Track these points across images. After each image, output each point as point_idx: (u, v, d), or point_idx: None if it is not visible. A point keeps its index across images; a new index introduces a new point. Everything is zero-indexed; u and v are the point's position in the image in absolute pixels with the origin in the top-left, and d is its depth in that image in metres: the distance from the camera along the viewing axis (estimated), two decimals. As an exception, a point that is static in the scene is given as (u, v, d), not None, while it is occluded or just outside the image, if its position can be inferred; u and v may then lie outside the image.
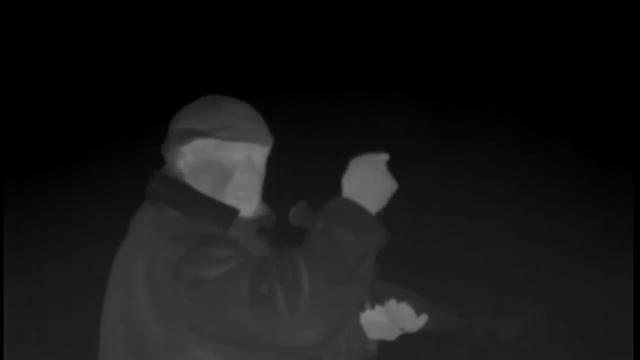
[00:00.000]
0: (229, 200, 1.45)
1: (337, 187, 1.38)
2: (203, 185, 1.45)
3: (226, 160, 1.45)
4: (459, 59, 5.77)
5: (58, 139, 5.22)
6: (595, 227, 5.34)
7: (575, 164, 5.60)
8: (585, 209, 5.44)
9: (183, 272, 1.28)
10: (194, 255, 1.30)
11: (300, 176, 4.65)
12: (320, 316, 1.22)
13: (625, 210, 4.42)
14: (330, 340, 1.27)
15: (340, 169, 1.41)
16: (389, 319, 1.44)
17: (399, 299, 1.46)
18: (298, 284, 1.23)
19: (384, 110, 5.73)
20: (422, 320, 1.48)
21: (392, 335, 1.49)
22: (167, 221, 1.42)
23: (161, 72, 5.18)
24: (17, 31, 4.96)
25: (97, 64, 5.25)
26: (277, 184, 1.66)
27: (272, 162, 1.55)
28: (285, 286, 1.23)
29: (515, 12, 5.60)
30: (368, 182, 1.32)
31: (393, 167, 1.41)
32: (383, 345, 1.56)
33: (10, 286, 4.10)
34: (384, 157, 1.38)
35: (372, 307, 1.46)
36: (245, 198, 1.47)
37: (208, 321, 1.27)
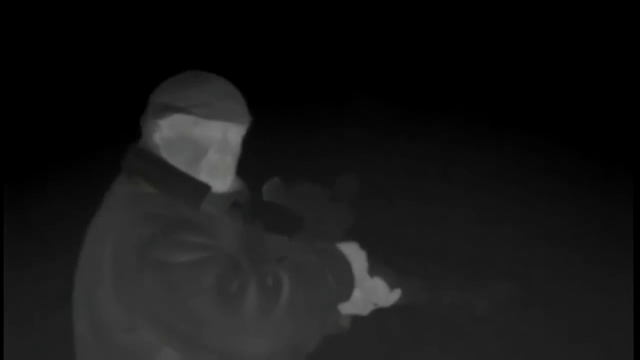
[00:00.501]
0: (202, 176, 1.45)
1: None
2: (177, 160, 1.46)
3: (201, 138, 1.45)
4: (459, 59, 5.77)
5: (58, 139, 5.23)
6: (595, 225, 5.35)
7: (575, 163, 5.61)
8: (584, 207, 5.45)
9: (149, 253, 1.27)
10: (162, 238, 1.29)
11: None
12: (280, 331, 1.25)
13: (625, 210, 4.43)
14: (270, 356, 1.27)
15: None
16: (362, 294, 1.44)
17: (372, 274, 1.46)
18: (275, 294, 1.25)
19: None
20: (395, 295, 1.49)
21: (365, 310, 1.49)
22: (140, 196, 1.41)
23: (160, 73, 5.18)
24: (17, 33, 4.96)
25: (98, 65, 5.26)
26: (253, 162, 1.66)
27: (250, 141, 1.55)
28: (261, 290, 1.25)
29: (516, 12, 5.60)
30: (359, 257, 1.42)
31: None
32: (356, 319, 1.56)
33: (11, 285, 4.11)
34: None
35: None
36: (218, 176, 1.47)
37: (164, 306, 1.26)
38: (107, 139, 5.27)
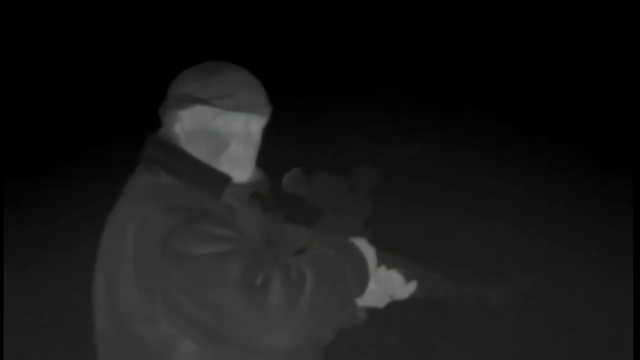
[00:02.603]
0: (223, 167, 1.45)
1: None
2: (198, 151, 1.45)
3: (223, 130, 1.45)
4: (459, 59, 5.77)
5: (58, 139, 5.23)
6: (595, 225, 5.35)
7: (575, 163, 5.60)
8: (584, 207, 5.45)
9: (172, 243, 1.27)
10: (185, 229, 1.29)
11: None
12: (302, 325, 1.25)
13: (625, 210, 4.43)
14: (288, 351, 1.27)
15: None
16: (379, 286, 1.44)
17: (389, 266, 1.46)
18: (299, 288, 1.25)
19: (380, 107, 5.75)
20: (411, 287, 1.49)
21: (381, 302, 1.49)
22: (161, 187, 1.41)
23: (160, 72, 5.18)
24: (17, 32, 4.96)
25: (97, 64, 5.26)
26: (273, 153, 1.67)
27: (269, 130, 1.56)
28: (285, 284, 1.24)
29: (517, 13, 5.61)
30: (369, 253, 1.43)
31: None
32: (372, 312, 1.56)
33: (10, 285, 4.11)
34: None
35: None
36: (240, 167, 1.47)
37: (186, 297, 1.26)
38: (107, 137, 5.27)
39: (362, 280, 1.38)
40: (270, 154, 1.66)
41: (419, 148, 5.58)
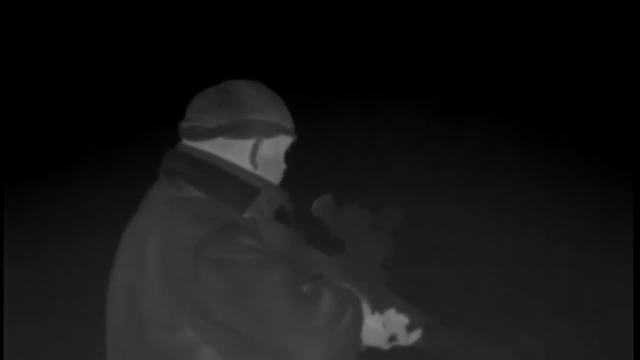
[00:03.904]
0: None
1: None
2: (270, 177, 1.50)
3: (280, 153, 1.53)
4: (460, 59, 5.77)
5: (58, 139, 5.23)
6: (595, 225, 5.35)
7: (575, 163, 5.60)
8: (585, 209, 5.44)
9: (206, 252, 1.27)
10: (218, 238, 1.29)
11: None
12: (336, 344, 1.27)
13: (625, 209, 4.42)
14: None
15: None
16: (385, 327, 1.45)
17: (399, 310, 1.47)
18: (344, 309, 1.30)
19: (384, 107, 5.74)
20: (415, 335, 1.49)
21: (385, 344, 1.49)
22: (186, 199, 1.41)
23: (161, 74, 5.17)
24: (17, 32, 4.96)
25: (98, 65, 5.25)
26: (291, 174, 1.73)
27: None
28: (335, 299, 1.28)
29: (517, 12, 5.60)
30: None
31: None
32: (373, 352, 1.57)
33: (10, 284, 4.11)
34: None
35: (372, 313, 1.47)
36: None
37: (222, 304, 1.25)
38: (108, 138, 5.26)
39: (358, 334, 1.39)
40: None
41: (421, 151, 5.59)
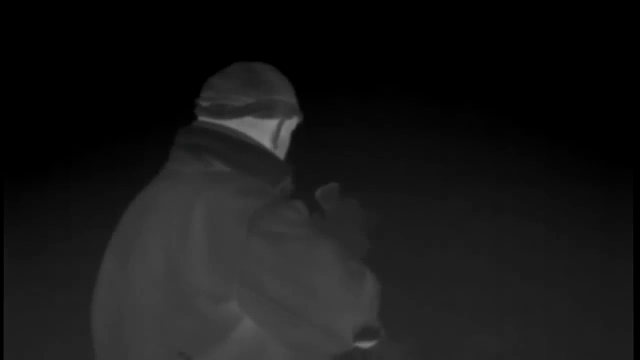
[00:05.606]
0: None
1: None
2: (282, 155, 1.53)
3: (289, 135, 1.56)
4: (460, 60, 5.77)
5: (58, 139, 5.23)
6: (595, 227, 5.36)
7: (575, 164, 5.60)
8: (585, 209, 5.45)
9: (259, 224, 1.27)
10: (268, 211, 1.29)
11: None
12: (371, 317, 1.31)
13: (625, 209, 4.43)
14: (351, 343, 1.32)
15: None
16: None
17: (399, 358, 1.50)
18: (378, 286, 1.34)
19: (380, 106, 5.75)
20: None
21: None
22: (222, 174, 1.40)
23: (161, 75, 5.18)
24: (18, 32, 4.96)
25: (99, 65, 5.25)
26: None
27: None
28: (374, 277, 1.32)
29: (517, 13, 5.60)
30: None
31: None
32: None
33: (11, 285, 4.11)
34: None
35: None
36: None
37: (274, 276, 1.25)
38: (108, 136, 5.26)
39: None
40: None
41: (418, 147, 5.58)
